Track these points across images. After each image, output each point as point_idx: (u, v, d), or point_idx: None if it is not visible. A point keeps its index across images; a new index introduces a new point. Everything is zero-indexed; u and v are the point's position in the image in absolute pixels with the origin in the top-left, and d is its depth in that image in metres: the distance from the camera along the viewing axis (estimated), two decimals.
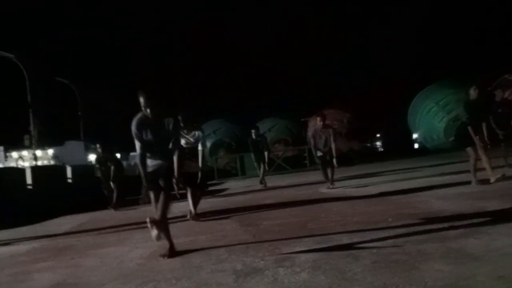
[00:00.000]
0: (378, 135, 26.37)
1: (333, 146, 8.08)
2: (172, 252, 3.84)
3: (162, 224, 3.79)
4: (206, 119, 19.53)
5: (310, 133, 8.70)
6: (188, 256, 3.79)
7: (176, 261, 3.68)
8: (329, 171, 8.29)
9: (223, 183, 14.56)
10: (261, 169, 10.89)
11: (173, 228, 4.05)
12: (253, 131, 11.29)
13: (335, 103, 19.23)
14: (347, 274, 2.80)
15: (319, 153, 8.27)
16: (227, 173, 17.77)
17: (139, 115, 3.93)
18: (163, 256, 3.80)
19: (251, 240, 4.21)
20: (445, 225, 3.89)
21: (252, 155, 11.22)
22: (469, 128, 6.17)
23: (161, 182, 3.92)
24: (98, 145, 9.45)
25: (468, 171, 6.60)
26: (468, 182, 6.47)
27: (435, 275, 2.61)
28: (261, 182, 10.77)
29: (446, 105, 17.20)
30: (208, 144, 19.08)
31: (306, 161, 16.87)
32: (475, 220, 3.96)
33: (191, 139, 5.96)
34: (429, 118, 17.89)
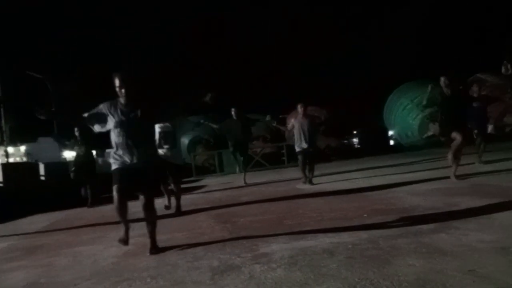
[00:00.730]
0: (355, 132, 26.76)
1: (314, 136, 8.08)
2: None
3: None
4: (186, 115, 19.34)
5: (290, 124, 8.42)
6: (164, 254, 3.75)
7: (152, 259, 3.64)
8: (307, 167, 8.28)
9: (201, 179, 14.47)
10: (241, 163, 9.91)
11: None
12: (233, 109, 9.26)
13: (314, 101, 19.39)
14: (323, 270, 2.84)
15: (302, 147, 8.16)
16: (206, 170, 17.68)
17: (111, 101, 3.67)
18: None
19: (228, 237, 4.20)
20: (418, 220, 3.99)
21: (230, 144, 9.50)
22: (443, 116, 6.22)
23: (140, 190, 3.67)
24: (76, 129, 9.15)
25: (442, 168, 6.75)
26: (443, 178, 6.66)
27: (407, 269, 2.67)
28: (245, 182, 9.72)
29: (421, 102, 17.54)
30: (186, 140, 18.95)
31: (284, 158, 16.97)
32: (446, 216, 4.07)
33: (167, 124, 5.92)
34: (404, 115, 18.25)
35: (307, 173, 8.31)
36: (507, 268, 2.50)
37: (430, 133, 16.78)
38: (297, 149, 8.35)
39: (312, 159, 8.25)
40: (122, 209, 3.65)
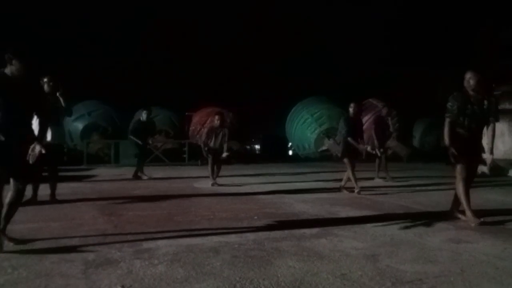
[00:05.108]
0: (257, 139, 27.52)
1: (225, 145, 8.19)
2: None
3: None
4: (81, 99, 17.88)
5: (205, 130, 8.50)
6: (32, 244, 3.37)
7: (17, 248, 3.23)
8: (215, 167, 8.28)
9: (92, 169, 13.49)
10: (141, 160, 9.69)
11: (20, 213, 3.54)
12: (144, 111, 9.46)
13: (221, 101, 19.44)
14: (206, 268, 2.80)
15: (214, 147, 8.19)
16: (99, 160, 16.53)
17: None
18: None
19: (111, 231, 3.94)
20: (303, 225, 4.19)
21: (137, 142, 9.38)
22: (349, 139, 6.73)
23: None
24: None
25: (332, 180, 7.23)
26: (330, 189, 7.14)
27: (286, 270, 2.76)
28: (138, 175, 9.45)
29: (319, 118, 18.69)
30: (80, 125, 17.56)
31: (185, 156, 16.67)
32: (327, 223, 4.34)
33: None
34: (304, 128, 19.20)
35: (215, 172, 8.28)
36: (374, 274, 2.72)
37: (324, 148, 17.92)
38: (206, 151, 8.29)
39: (221, 161, 8.32)
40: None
